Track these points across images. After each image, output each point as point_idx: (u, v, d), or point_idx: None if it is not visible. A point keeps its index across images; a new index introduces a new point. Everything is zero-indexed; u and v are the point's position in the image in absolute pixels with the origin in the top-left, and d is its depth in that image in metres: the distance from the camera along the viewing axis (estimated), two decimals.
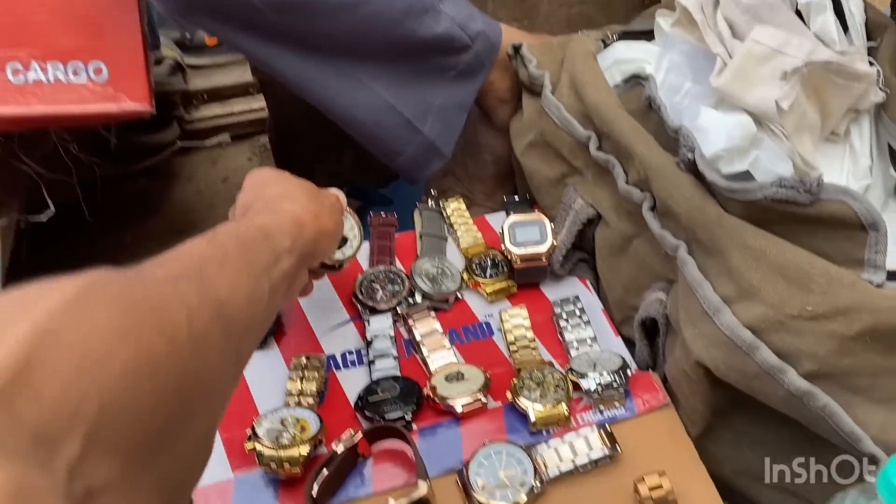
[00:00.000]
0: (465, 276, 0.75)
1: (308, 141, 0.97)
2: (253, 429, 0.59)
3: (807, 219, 0.55)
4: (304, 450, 0.58)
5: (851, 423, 0.53)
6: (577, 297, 0.72)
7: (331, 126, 0.84)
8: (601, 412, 0.63)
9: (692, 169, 0.60)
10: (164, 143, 0.97)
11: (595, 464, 0.60)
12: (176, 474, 0.36)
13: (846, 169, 0.70)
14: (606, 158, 0.68)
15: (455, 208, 0.81)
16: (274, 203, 0.56)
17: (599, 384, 0.63)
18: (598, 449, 0.60)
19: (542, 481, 0.58)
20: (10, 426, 0.25)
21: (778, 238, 0.55)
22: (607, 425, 0.61)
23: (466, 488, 0.58)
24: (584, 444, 0.60)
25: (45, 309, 0.29)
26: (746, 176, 0.65)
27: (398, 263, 0.77)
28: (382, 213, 0.81)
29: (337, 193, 0.67)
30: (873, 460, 0.53)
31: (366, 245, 0.78)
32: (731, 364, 0.56)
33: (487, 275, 0.74)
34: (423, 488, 0.54)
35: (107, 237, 1.00)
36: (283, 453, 0.57)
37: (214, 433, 0.40)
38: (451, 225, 0.80)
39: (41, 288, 0.31)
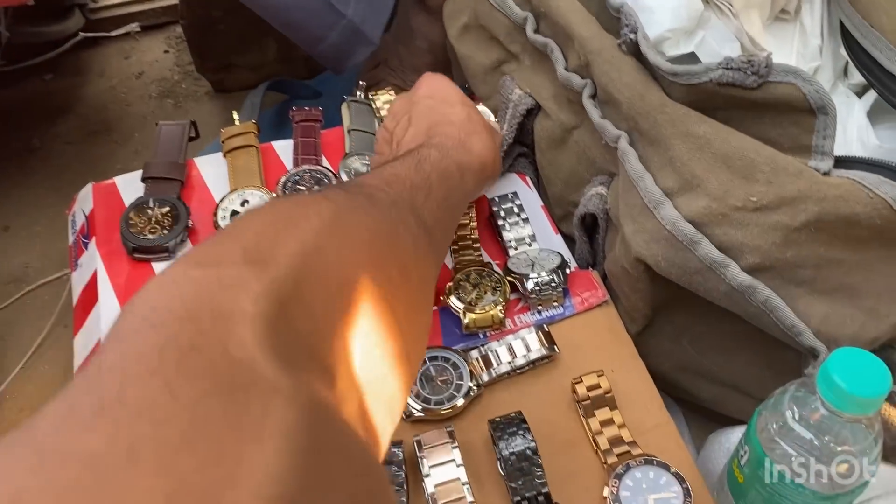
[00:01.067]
0: None
1: (226, 29, 0.89)
2: None
3: (753, 103, 0.51)
4: None
5: (792, 317, 0.52)
6: (515, 194, 0.68)
7: (250, 12, 0.76)
8: (539, 312, 0.61)
9: (634, 51, 0.56)
10: (66, 33, 0.88)
11: (533, 364, 0.58)
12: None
13: (796, 50, 0.66)
14: (545, 42, 0.63)
15: (386, 101, 0.76)
16: (464, 135, 0.56)
17: (537, 284, 0.60)
18: (536, 350, 0.57)
19: (478, 385, 0.56)
20: (293, 340, 0.26)
21: (723, 125, 0.52)
22: (545, 326, 0.59)
23: None
24: (521, 345, 0.58)
25: (309, 229, 0.31)
26: (692, 58, 0.61)
27: (325, 161, 0.72)
28: (306, 107, 0.75)
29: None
30: (814, 353, 0.52)
31: (289, 142, 0.73)
32: (672, 260, 0.53)
33: None
34: None
35: (13, 141, 0.92)
36: None
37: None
38: (381, 119, 0.75)
39: (300, 205, 0.33)
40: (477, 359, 0.58)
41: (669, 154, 0.53)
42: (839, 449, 0.46)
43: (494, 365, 0.57)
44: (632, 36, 0.55)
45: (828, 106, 0.50)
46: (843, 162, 0.52)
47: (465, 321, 0.59)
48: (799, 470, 0.47)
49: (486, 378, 0.57)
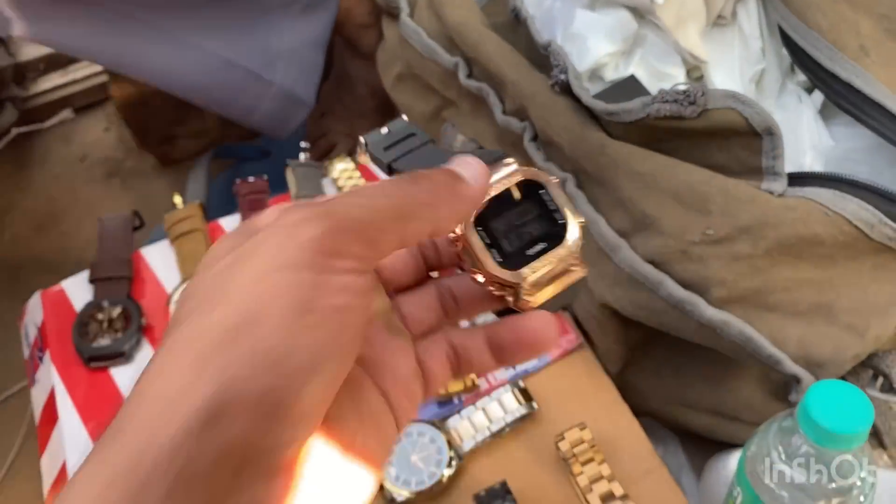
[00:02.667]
0: None
1: (161, 103, 0.87)
2: None
3: (696, 132, 0.49)
4: None
5: (769, 346, 0.50)
6: None
7: None
8: (514, 366, 0.59)
9: (568, 91, 0.54)
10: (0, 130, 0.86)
11: (513, 426, 0.56)
12: None
13: (738, 54, 0.64)
14: (479, 86, 0.61)
15: (342, 170, 0.73)
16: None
17: None
18: (514, 410, 0.55)
19: (459, 456, 0.54)
20: None
21: (668, 158, 0.50)
22: (520, 381, 0.57)
23: None
24: (498, 407, 0.56)
25: None
26: (629, 89, 0.59)
27: None
28: (250, 178, 0.72)
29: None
30: (796, 379, 0.50)
31: (237, 218, 0.71)
32: (637, 302, 0.51)
33: None
34: None
35: None
36: None
37: None
38: (339, 189, 0.72)
39: None
40: (454, 428, 0.55)
41: (618, 195, 0.51)
42: (831, 486, 0.44)
43: (473, 432, 0.55)
44: (562, 77, 0.53)
45: (772, 126, 0.48)
46: (797, 179, 0.50)
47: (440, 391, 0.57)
48: None
49: (465, 448, 0.55)
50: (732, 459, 0.59)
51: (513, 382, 0.57)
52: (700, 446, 0.65)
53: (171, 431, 0.20)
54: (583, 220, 0.29)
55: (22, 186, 0.94)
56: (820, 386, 0.43)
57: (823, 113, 0.63)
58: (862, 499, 0.45)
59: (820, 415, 0.42)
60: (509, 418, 0.55)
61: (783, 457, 0.45)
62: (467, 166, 0.27)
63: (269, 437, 0.20)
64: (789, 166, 0.50)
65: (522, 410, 0.55)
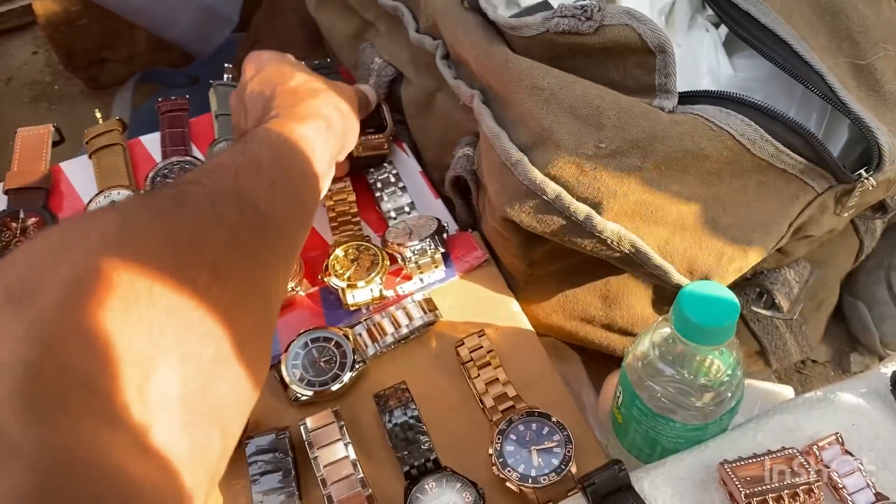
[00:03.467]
0: None
1: (90, 24, 0.85)
2: None
3: (594, 49, 0.51)
4: None
5: (657, 258, 0.52)
6: (390, 163, 0.68)
7: None
8: (421, 280, 0.61)
9: (477, 7, 0.55)
10: None
11: (418, 332, 0.58)
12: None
13: None
14: (394, 5, 0.62)
15: None
16: (299, 99, 0.53)
17: (414, 252, 0.60)
18: (419, 317, 0.58)
19: (364, 360, 0.56)
20: (62, 380, 0.24)
21: (567, 74, 0.51)
22: (426, 292, 0.59)
23: (284, 382, 0.55)
24: (403, 314, 0.58)
25: (85, 250, 0.28)
26: (542, 9, 0.61)
27: (195, 151, 0.70)
28: (173, 96, 0.72)
29: (361, 88, 0.64)
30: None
31: (158, 135, 0.71)
32: (535, 215, 0.53)
33: None
34: None
35: None
36: None
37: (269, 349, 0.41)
38: None
39: (80, 223, 0.31)
40: (360, 334, 0.57)
41: (519, 109, 0.53)
42: (701, 381, 0.47)
43: (379, 338, 0.57)
44: None
45: (665, 44, 0.50)
46: (688, 98, 0.52)
47: (347, 300, 0.58)
48: (666, 405, 0.48)
49: (371, 352, 0.57)
50: None
51: (417, 296, 0.59)
52: (601, 364, 0.69)
53: None
54: None
55: None
56: (692, 285, 0.46)
57: (729, 47, 0.65)
58: (729, 394, 0.48)
59: (690, 310, 0.44)
60: (415, 324, 0.57)
61: (658, 354, 0.48)
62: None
63: None
64: (684, 88, 0.53)
65: (426, 318, 0.57)
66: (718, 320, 0.44)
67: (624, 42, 0.50)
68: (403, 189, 0.66)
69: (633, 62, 0.51)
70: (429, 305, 0.58)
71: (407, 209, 0.65)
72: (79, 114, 0.90)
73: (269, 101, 0.53)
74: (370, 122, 0.66)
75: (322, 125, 0.51)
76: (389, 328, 0.57)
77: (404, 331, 0.57)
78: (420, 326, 0.57)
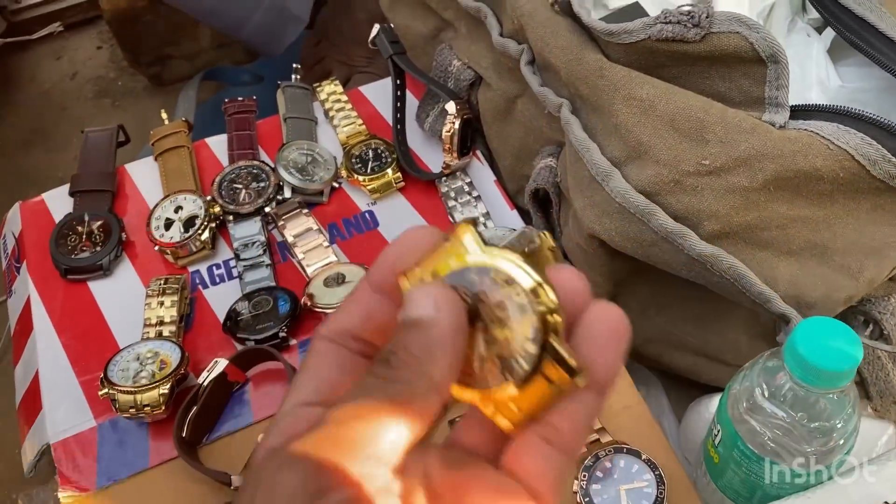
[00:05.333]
0: (344, 171, 0.65)
1: (154, 20, 0.84)
2: (105, 373, 0.52)
3: (698, 57, 0.47)
4: (165, 388, 0.51)
5: (759, 284, 0.48)
6: (463, 171, 0.64)
7: None
8: None
9: (569, 11, 0.51)
10: None
11: None
12: None
13: None
14: (477, 7, 0.59)
15: (330, 92, 0.71)
16: None
17: None
18: None
19: None
20: None
21: (667, 85, 0.48)
22: None
23: None
24: None
25: None
26: (632, 11, 0.57)
27: (263, 155, 0.68)
28: (240, 97, 0.70)
29: None
30: (785, 319, 0.49)
31: (224, 137, 0.69)
32: (626, 233, 0.50)
33: (369, 169, 0.65)
34: None
35: None
36: (140, 396, 0.51)
37: None
38: (326, 112, 0.70)
39: None
40: None
41: (614, 121, 0.49)
42: (813, 425, 0.43)
43: None
44: None
45: (778, 54, 0.46)
46: (800, 112, 0.48)
47: None
48: (773, 449, 0.44)
49: None
50: (714, 403, 0.58)
51: None
52: (682, 390, 0.64)
53: None
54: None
55: (10, 101, 0.92)
56: (809, 322, 0.42)
57: (833, 54, 0.60)
58: (842, 442, 0.44)
59: (807, 350, 0.40)
60: None
61: (766, 394, 0.44)
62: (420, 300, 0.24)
63: None
64: (793, 101, 0.48)
65: None
66: (838, 364, 0.40)
67: (733, 51, 0.46)
68: (478, 199, 0.63)
69: (740, 72, 0.47)
70: None
71: (482, 220, 0.62)
72: (142, 110, 0.89)
73: None
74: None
75: None
76: None
77: None
78: None
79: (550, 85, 0.54)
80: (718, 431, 0.47)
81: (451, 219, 0.63)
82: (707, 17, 0.45)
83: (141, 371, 0.53)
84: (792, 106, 0.48)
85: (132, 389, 0.51)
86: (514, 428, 0.24)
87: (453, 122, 0.61)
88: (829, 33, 0.60)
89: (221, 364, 0.52)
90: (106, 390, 0.52)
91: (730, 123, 0.46)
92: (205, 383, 0.52)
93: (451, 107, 0.61)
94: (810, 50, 0.56)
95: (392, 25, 0.69)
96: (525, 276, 0.23)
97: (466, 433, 0.25)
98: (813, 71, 0.55)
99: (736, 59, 0.47)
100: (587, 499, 0.47)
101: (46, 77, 0.92)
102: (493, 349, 0.23)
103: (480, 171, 0.66)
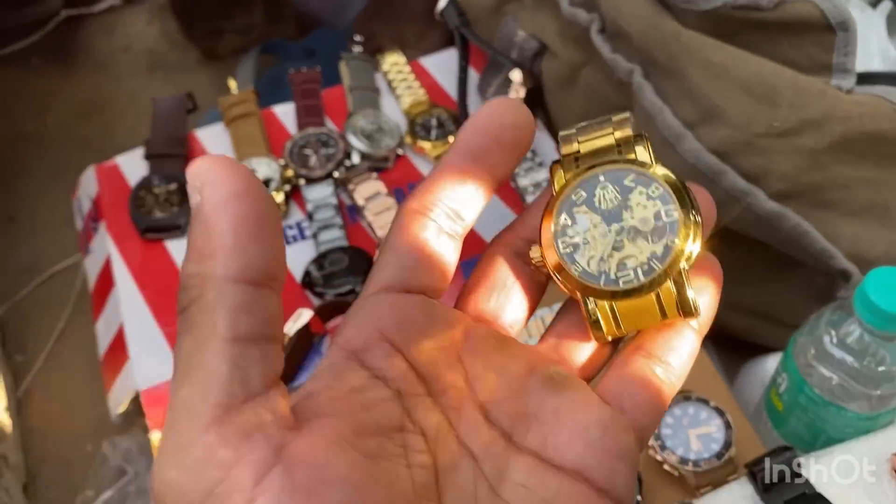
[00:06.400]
0: (409, 139, 0.68)
1: None
2: None
3: (770, 24, 0.50)
4: None
5: (823, 241, 0.51)
6: None
7: None
8: None
9: None
10: (47, 14, 0.86)
11: None
12: None
13: None
14: None
15: (393, 63, 0.73)
16: None
17: None
18: None
19: None
20: None
21: (740, 51, 0.50)
22: None
23: None
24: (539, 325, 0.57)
25: None
26: None
27: (329, 123, 0.70)
28: (304, 68, 0.73)
29: None
30: (846, 276, 0.52)
31: (290, 106, 0.71)
32: None
33: (432, 136, 0.68)
34: None
35: (6, 129, 0.91)
36: None
37: None
38: (390, 83, 0.72)
39: None
40: None
41: (687, 85, 0.51)
42: (880, 369, 0.46)
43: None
44: None
45: (847, 21, 0.48)
46: (865, 78, 0.51)
47: None
48: (839, 393, 0.47)
49: None
50: (769, 363, 0.60)
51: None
52: (731, 353, 0.67)
53: None
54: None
55: (66, 73, 0.94)
56: (879, 271, 0.44)
57: (889, 28, 0.63)
58: None
59: (878, 296, 0.43)
60: None
61: (834, 341, 0.46)
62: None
63: None
64: (858, 68, 0.51)
65: None
66: None
67: (803, 18, 0.49)
68: (540, 165, 0.65)
69: (810, 39, 0.50)
70: None
71: (545, 184, 0.64)
72: (195, 83, 0.91)
73: None
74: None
75: None
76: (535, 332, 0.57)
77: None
78: None
79: (621, 51, 0.57)
80: (784, 380, 0.50)
81: (513, 184, 0.65)
82: None
83: None
84: (858, 73, 0.50)
85: None
86: (604, 338, 0.24)
87: (518, 91, 0.64)
88: (885, 7, 0.62)
89: (307, 314, 0.54)
90: None
91: (800, 87, 0.48)
92: (291, 333, 0.54)
93: (515, 75, 0.64)
94: (870, 22, 0.59)
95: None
96: (683, 197, 0.24)
97: (563, 345, 0.25)
98: (874, 42, 0.58)
99: (807, 26, 0.49)
100: (659, 442, 0.50)
101: (100, 50, 0.95)
102: (618, 253, 0.24)
103: (542, 139, 0.69)
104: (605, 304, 0.23)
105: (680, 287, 0.23)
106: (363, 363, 0.22)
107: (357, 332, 0.23)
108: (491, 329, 0.24)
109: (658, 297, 0.23)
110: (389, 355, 0.22)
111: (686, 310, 0.23)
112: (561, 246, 0.24)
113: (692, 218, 0.24)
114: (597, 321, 0.23)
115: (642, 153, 0.25)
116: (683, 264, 0.23)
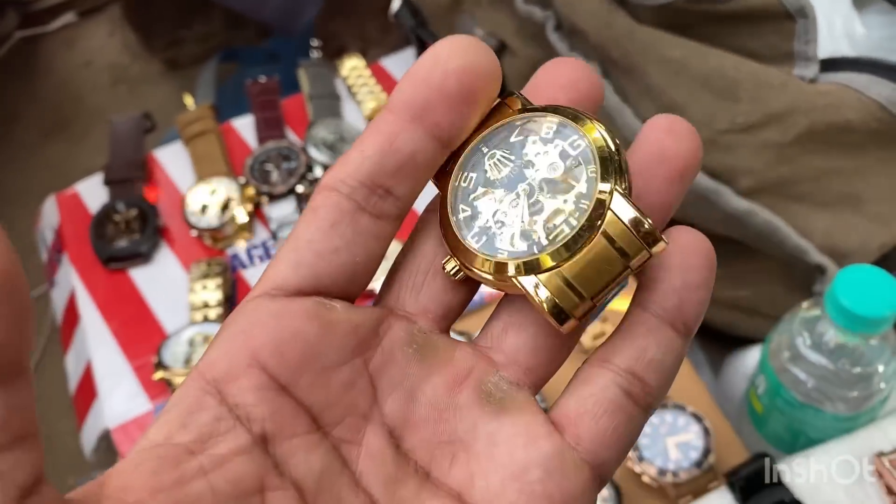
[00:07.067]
0: None
1: (166, 2, 0.84)
2: (158, 357, 0.54)
3: (727, 16, 0.48)
4: None
5: (795, 236, 0.49)
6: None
7: None
8: None
9: None
10: (2, 35, 0.84)
11: None
12: None
13: None
14: None
15: (352, 67, 0.71)
16: None
17: None
18: None
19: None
20: None
21: (698, 44, 0.48)
22: None
23: None
24: None
25: None
26: None
27: (291, 134, 0.68)
28: (262, 77, 0.71)
29: None
30: (821, 269, 0.50)
31: (250, 118, 0.69)
32: None
33: None
34: None
35: None
36: None
37: None
38: (349, 88, 0.70)
39: None
40: None
41: (646, 82, 0.50)
42: (855, 370, 0.44)
43: None
44: None
45: (806, 8, 0.46)
46: (830, 65, 0.49)
47: None
48: (816, 395, 0.45)
49: None
50: (751, 355, 0.59)
51: None
52: (717, 345, 0.66)
53: None
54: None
55: (27, 93, 0.92)
56: (848, 270, 0.43)
57: (858, 4, 0.60)
58: (883, 385, 0.45)
59: (847, 298, 0.41)
60: None
61: (808, 343, 0.45)
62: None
63: None
64: (822, 54, 0.49)
65: None
66: (879, 309, 0.41)
67: (761, 7, 0.47)
68: None
69: (769, 29, 0.48)
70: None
71: None
72: (159, 95, 0.89)
73: None
74: None
75: None
76: None
77: None
78: None
79: (579, 49, 0.55)
80: (761, 382, 0.49)
81: None
82: None
83: (192, 353, 0.54)
84: (821, 59, 0.48)
85: (187, 371, 0.52)
86: (573, 321, 0.18)
87: None
88: None
89: None
90: (161, 374, 0.53)
91: (761, 81, 0.47)
92: None
93: None
94: (834, 4, 0.57)
95: None
96: (581, 118, 0.20)
97: (508, 338, 0.20)
98: (838, 23, 0.56)
99: (764, 15, 0.47)
100: (637, 452, 0.49)
101: (61, 67, 0.93)
102: (539, 216, 0.19)
103: None
104: (552, 275, 0.18)
105: (624, 210, 0.18)
106: (223, 397, 0.17)
107: (222, 355, 0.18)
108: (416, 328, 0.20)
109: (606, 235, 0.18)
110: (259, 386, 0.17)
111: (645, 234, 0.18)
112: (473, 242, 0.19)
113: (604, 136, 0.19)
114: (553, 304, 0.18)
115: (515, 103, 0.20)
116: (618, 188, 0.19)
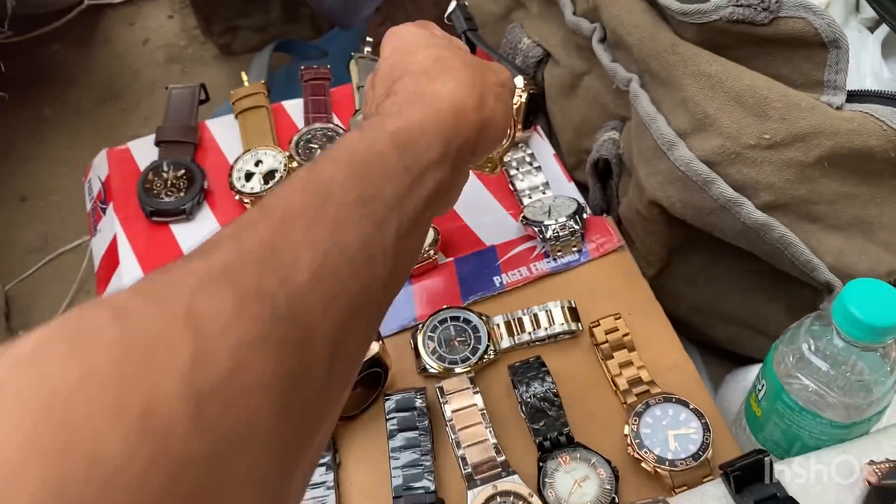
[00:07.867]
0: None
1: None
2: None
3: (764, 39, 0.51)
4: None
5: (808, 252, 0.52)
6: (525, 143, 0.68)
7: None
8: (556, 259, 0.61)
9: None
10: (70, 2, 0.88)
11: (555, 339, 0.57)
12: None
13: None
14: None
15: None
16: (422, 83, 0.41)
17: (555, 231, 0.60)
18: (560, 325, 0.57)
19: (496, 351, 0.56)
20: None
21: (734, 64, 0.51)
22: (572, 301, 0.58)
23: (417, 350, 0.56)
24: (546, 317, 0.57)
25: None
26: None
27: (336, 119, 0.72)
28: (315, 65, 0.75)
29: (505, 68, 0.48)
30: (829, 288, 0.53)
31: (300, 101, 0.73)
32: (687, 200, 0.53)
33: None
34: (373, 347, 0.52)
35: (25, 112, 0.93)
36: None
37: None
38: None
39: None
40: (497, 325, 0.57)
41: (681, 94, 0.53)
42: (855, 379, 0.47)
43: (516, 334, 0.57)
44: None
45: (840, 39, 0.50)
46: (855, 96, 0.52)
47: None
48: (816, 401, 0.48)
49: (505, 345, 0.57)
50: (750, 374, 0.62)
51: (564, 302, 0.58)
52: (718, 362, 0.68)
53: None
54: None
55: (86, 61, 0.96)
56: (857, 282, 0.45)
57: (884, 50, 0.64)
58: (880, 397, 0.47)
59: (856, 306, 0.44)
60: (553, 330, 0.57)
61: (813, 349, 0.47)
62: None
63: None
64: (849, 88, 0.52)
65: (566, 328, 0.56)
66: (885, 319, 0.44)
67: (797, 34, 0.50)
68: (538, 169, 0.67)
69: (803, 56, 0.51)
70: (573, 316, 0.57)
71: (542, 189, 0.66)
72: (210, 77, 0.93)
73: (394, 84, 0.42)
74: None
75: (451, 113, 0.39)
76: (528, 327, 0.57)
77: (542, 334, 0.57)
78: (559, 333, 0.57)
79: (620, 61, 0.58)
80: (763, 386, 0.51)
81: (511, 187, 0.67)
82: (776, 2, 0.49)
83: None
84: (848, 91, 0.52)
85: None
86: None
87: (520, 96, 0.65)
88: (881, 33, 0.64)
89: (374, 345, 0.55)
90: None
91: (791, 101, 0.50)
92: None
93: (518, 81, 0.65)
94: (865, 43, 0.60)
95: (467, 3, 0.73)
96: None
97: None
98: (867, 63, 0.59)
99: (800, 42, 0.50)
100: (638, 441, 0.51)
101: (120, 41, 0.97)
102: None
103: (541, 144, 0.70)
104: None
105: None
106: None
107: None
108: None
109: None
110: None
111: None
112: None
113: None
114: None
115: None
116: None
